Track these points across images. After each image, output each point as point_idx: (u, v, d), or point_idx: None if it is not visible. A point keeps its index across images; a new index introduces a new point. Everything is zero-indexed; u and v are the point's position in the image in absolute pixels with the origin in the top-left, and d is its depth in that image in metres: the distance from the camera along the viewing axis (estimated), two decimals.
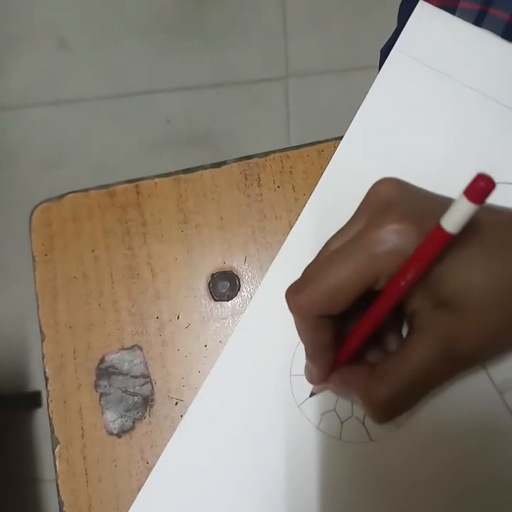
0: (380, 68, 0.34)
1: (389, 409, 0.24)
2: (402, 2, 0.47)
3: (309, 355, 0.27)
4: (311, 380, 0.28)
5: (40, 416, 1.07)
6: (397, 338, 0.28)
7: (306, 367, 0.28)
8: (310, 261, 0.26)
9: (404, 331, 0.28)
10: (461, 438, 0.28)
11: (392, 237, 0.23)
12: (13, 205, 1.14)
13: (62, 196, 0.34)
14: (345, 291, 0.24)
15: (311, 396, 0.30)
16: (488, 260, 0.23)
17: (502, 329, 0.24)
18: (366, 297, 0.25)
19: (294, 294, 0.25)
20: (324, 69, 1.09)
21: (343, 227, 0.26)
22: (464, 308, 0.23)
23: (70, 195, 0.34)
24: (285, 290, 0.25)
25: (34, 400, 1.06)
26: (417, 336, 0.24)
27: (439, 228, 0.21)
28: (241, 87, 1.11)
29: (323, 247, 0.26)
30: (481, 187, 0.20)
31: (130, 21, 1.16)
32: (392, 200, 0.25)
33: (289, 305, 0.25)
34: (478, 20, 0.39)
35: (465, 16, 0.36)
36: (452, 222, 0.21)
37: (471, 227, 0.22)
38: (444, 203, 0.23)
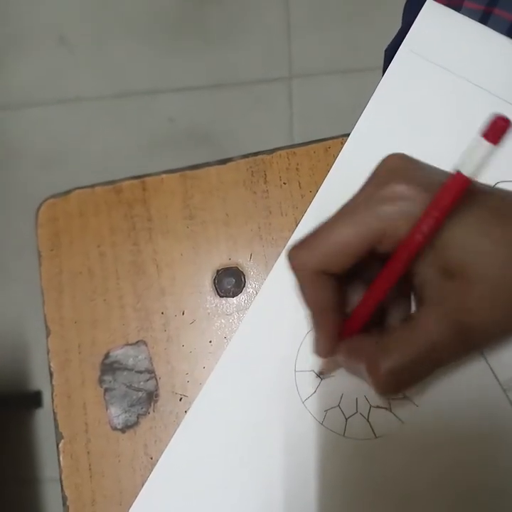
0: (384, 68, 0.34)
1: (393, 382, 0.24)
2: (406, 2, 0.47)
3: (313, 319, 0.26)
4: (317, 351, 0.27)
5: (41, 416, 1.07)
6: (405, 312, 0.27)
7: (313, 339, 0.27)
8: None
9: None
10: (466, 435, 0.28)
11: (400, 198, 0.23)
12: (13, 204, 1.14)
13: (68, 192, 0.34)
14: (347, 247, 0.23)
15: (318, 377, 0.29)
16: (497, 228, 0.23)
17: (509, 304, 0.23)
18: (370, 265, 0.24)
19: (294, 249, 0.25)
20: (327, 69, 1.09)
21: (351, 197, 0.25)
22: (473, 278, 0.23)
23: (76, 191, 0.34)
24: (288, 248, 0.25)
25: (35, 399, 1.06)
26: (426, 308, 0.24)
27: (458, 173, 0.21)
28: (244, 87, 1.11)
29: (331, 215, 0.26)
30: (499, 126, 0.20)
31: (131, 21, 1.16)
32: (399, 167, 0.25)
33: (290, 262, 0.25)
34: (483, 21, 0.39)
35: (469, 16, 0.36)
36: (470, 165, 0.21)
37: (476, 195, 0.22)
38: (447, 173, 0.23)
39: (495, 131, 0.20)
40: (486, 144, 0.20)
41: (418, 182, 0.23)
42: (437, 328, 0.23)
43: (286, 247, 0.25)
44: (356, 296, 0.27)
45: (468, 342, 0.24)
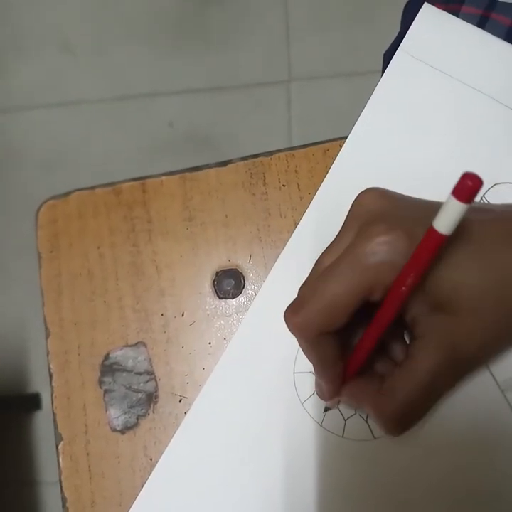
0: (383, 72, 0.35)
1: (401, 422, 0.25)
2: (405, 6, 0.47)
3: (317, 372, 0.26)
4: (322, 396, 0.28)
5: (40, 418, 1.06)
6: (402, 345, 0.28)
7: (316, 383, 0.28)
8: (314, 260, 0.27)
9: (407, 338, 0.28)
10: (464, 436, 0.28)
11: (382, 248, 0.23)
12: (14, 206, 1.15)
13: (68, 194, 0.35)
14: (341, 307, 0.24)
15: (325, 411, 0.30)
16: (480, 260, 0.23)
17: (501, 326, 0.24)
18: (367, 307, 0.25)
19: (291, 315, 0.25)
20: (326, 73, 1.09)
21: (332, 243, 0.26)
22: (461, 309, 0.23)
23: (76, 192, 0.35)
24: (284, 311, 0.25)
25: (33, 401, 1.06)
26: (420, 343, 0.24)
27: (433, 230, 0.21)
28: (243, 90, 1.12)
29: (315, 264, 0.26)
30: (468, 186, 0.20)
31: (132, 24, 1.17)
32: (377, 210, 0.25)
33: (288, 327, 0.25)
34: (480, 25, 0.39)
35: (467, 21, 0.36)
36: (444, 223, 0.21)
37: (460, 228, 0.22)
38: (429, 208, 0.23)
39: (464, 191, 0.20)
40: (457, 203, 0.20)
41: (400, 227, 0.23)
42: (433, 361, 0.24)
43: (284, 313, 0.25)
44: (357, 335, 0.27)
45: (464, 368, 0.25)
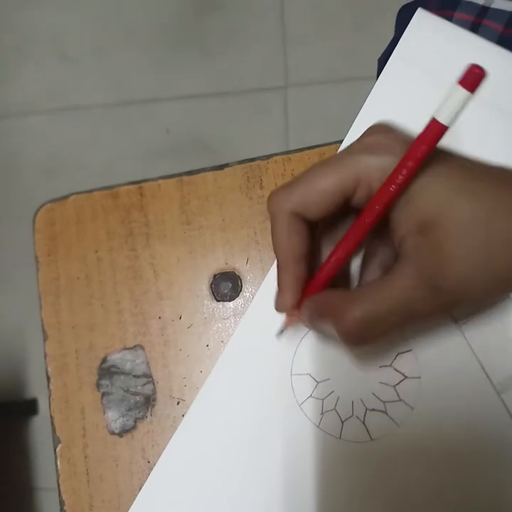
0: (378, 77, 0.35)
1: (361, 330, 0.24)
2: (399, 12, 0.48)
3: (280, 263, 0.26)
4: (280, 304, 0.27)
5: (37, 423, 1.06)
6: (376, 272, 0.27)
7: (276, 295, 0.27)
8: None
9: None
10: (460, 437, 0.28)
11: (376, 145, 0.24)
12: (13, 211, 1.15)
13: (65, 197, 0.35)
14: (322, 192, 0.24)
15: (280, 333, 0.29)
16: (474, 190, 0.23)
17: (484, 256, 0.23)
18: (344, 223, 0.25)
19: (273, 192, 0.26)
20: (323, 79, 1.10)
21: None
22: (446, 232, 0.23)
23: (74, 196, 0.35)
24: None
25: (30, 407, 1.06)
26: (401, 262, 0.24)
27: (434, 121, 0.22)
28: (240, 96, 1.12)
29: None
30: (475, 73, 0.21)
31: (131, 31, 1.17)
32: (383, 124, 0.26)
33: (267, 203, 0.26)
34: (473, 31, 0.40)
35: (460, 27, 0.37)
36: (447, 112, 0.21)
37: (447, 155, 0.23)
38: None
39: (471, 79, 0.21)
40: (463, 91, 0.21)
41: (398, 134, 0.24)
42: (410, 282, 0.23)
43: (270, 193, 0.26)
44: (326, 253, 0.27)
45: (440, 298, 0.24)
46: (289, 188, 0.25)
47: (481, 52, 0.33)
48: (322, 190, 0.24)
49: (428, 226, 0.23)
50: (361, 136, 0.26)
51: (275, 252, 0.26)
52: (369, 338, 0.24)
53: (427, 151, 0.22)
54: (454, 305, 0.24)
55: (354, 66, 1.08)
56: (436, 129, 0.22)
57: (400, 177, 0.22)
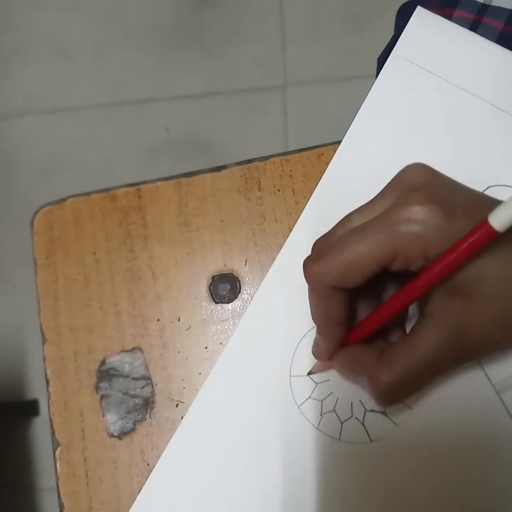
0: (377, 76, 0.35)
1: (394, 393, 0.25)
2: (398, 10, 0.48)
3: (319, 328, 0.27)
4: (317, 355, 0.28)
5: (38, 424, 1.06)
6: (401, 330, 0.28)
7: (315, 341, 0.28)
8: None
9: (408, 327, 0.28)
10: (460, 438, 0.28)
11: (417, 217, 0.23)
12: (12, 212, 1.15)
13: (63, 200, 0.35)
14: (361, 265, 0.24)
15: (308, 374, 0.30)
16: (508, 251, 0.23)
17: (510, 323, 0.24)
18: (378, 282, 0.25)
19: (311, 262, 0.25)
20: (322, 78, 1.10)
21: (368, 203, 0.26)
22: (477, 295, 0.23)
23: (72, 198, 0.35)
24: (304, 260, 0.26)
25: (32, 408, 1.06)
26: (428, 321, 0.24)
27: (486, 223, 0.21)
28: (240, 95, 1.12)
29: (343, 219, 0.26)
30: None
31: (130, 30, 1.17)
32: (420, 182, 0.25)
33: (305, 273, 0.25)
34: (473, 29, 0.40)
35: (460, 25, 0.37)
36: (501, 220, 0.21)
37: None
38: (471, 194, 0.24)
39: None
40: None
41: (438, 202, 0.23)
42: (438, 340, 0.24)
43: (304, 260, 0.26)
44: (362, 308, 0.27)
45: (465, 355, 0.25)
46: (326, 260, 0.25)
47: (481, 50, 0.33)
48: (360, 264, 0.24)
49: (458, 289, 0.24)
50: (396, 191, 0.25)
51: (313, 317, 0.27)
52: (400, 398, 0.26)
53: (471, 251, 0.22)
54: (475, 359, 0.27)
55: (353, 64, 1.08)
56: (485, 232, 0.22)
57: (450, 264, 0.23)
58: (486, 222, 0.21)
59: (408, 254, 0.23)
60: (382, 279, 0.27)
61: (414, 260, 0.24)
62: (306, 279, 0.25)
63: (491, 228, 0.21)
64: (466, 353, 0.25)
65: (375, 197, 0.26)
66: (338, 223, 0.26)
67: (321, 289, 0.25)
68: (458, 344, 0.24)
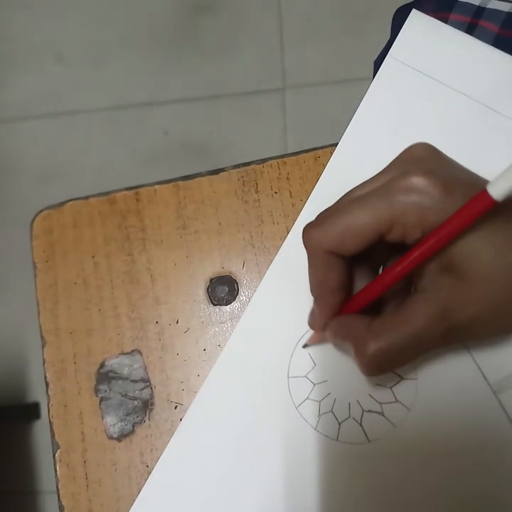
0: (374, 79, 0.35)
1: (379, 362, 0.25)
2: (394, 14, 0.48)
3: (315, 295, 0.27)
4: (312, 324, 0.29)
5: (39, 427, 1.06)
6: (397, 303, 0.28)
7: (311, 312, 0.29)
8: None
9: None
10: (457, 438, 0.28)
11: (416, 188, 0.23)
12: (11, 217, 1.15)
13: (62, 204, 0.35)
14: (358, 232, 0.24)
15: (304, 347, 0.30)
16: (504, 236, 0.23)
17: (501, 302, 0.24)
18: (376, 261, 0.26)
19: (309, 228, 0.26)
20: (320, 80, 1.10)
21: (370, 178, 0.26)
22: (469, 275, 0.24)
23: (71, 202, 0.35)
24: (303, 226, 0.26)
25: (33, 411, 1.06)
26: (419, 296, 0.25)
27: (484, 193, 0.21)
28: (238, 99, 1.12)
29: (345, 194, 0.27)
30: None
31: (127, 34, 1.18)
32: (422, 155, 0.25)
33: (303, 238, 0.26)
34: (469, 32, 0.40)
35: (456, 28, 0.37)
36: (499, 189, 0.21)
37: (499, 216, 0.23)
38: (472, 175, 0.24)
39: None
40: None
41: (438, 176, 0.23)
42: (427, 313, 0.24)
43: (304, 226, 0.26)
44: (359, 280, 0.28)
45: (452, 334, 0.25)
46: (324, 226, 0.25)
47: (476, 53, 0.33)
48: (358, 230, 0.24)
49: (451, 266, 0.24)
50: (399, 164, 0.25)
51: (310, 285, 0.27)
52: (385, 370, 0.26)
53: (469, 222, 0.22)
54: (466, 341, 0.27)
55: (351, 67, 1.08)
56: (484, 201, 0.22)
57: (441, 236, 0.23)
58: (484, 192, 0.22)
59: (405, 223, 0.24)
60: (381, 257, 0.28)
61: (410, 230, 0.24)
62: (304, 244, 0.26)
63: (490, 197, 0.21)
64: (453, 330, 0.25)
65: (378, 173, 0.26)
66: (341, 197, 0.27)
67: (318, 254, 0.25)
68: (446, 321, 0.24)
